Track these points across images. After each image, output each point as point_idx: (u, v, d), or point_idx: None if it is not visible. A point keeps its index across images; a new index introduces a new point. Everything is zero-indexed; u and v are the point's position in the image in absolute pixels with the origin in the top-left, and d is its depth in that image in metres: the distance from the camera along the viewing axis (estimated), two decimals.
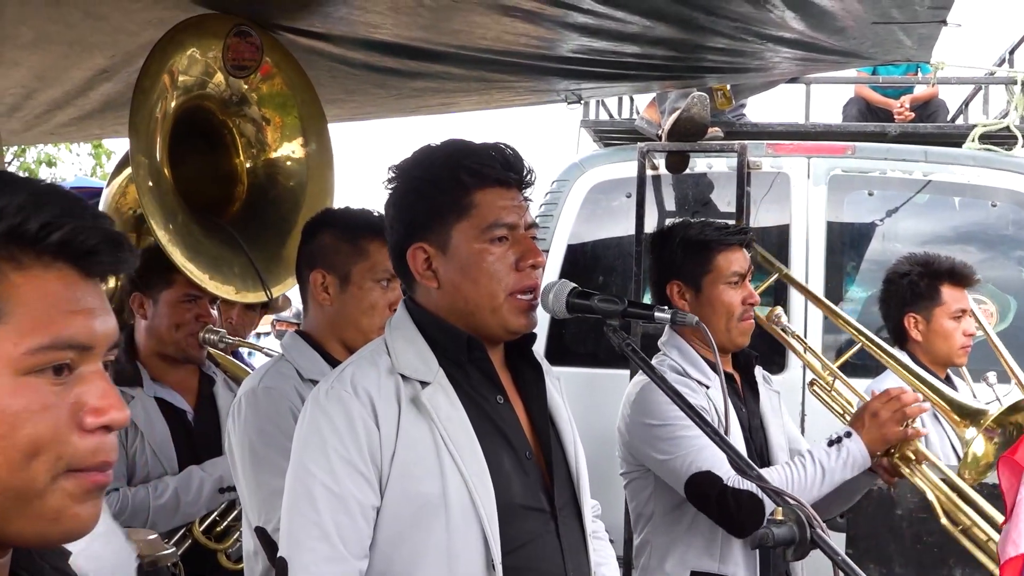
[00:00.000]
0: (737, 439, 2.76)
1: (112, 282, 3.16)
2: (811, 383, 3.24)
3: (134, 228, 3.41)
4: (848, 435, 2.73)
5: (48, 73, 3.44)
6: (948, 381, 3.54)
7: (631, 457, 2.93)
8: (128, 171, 3.38)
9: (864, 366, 3.68)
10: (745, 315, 2.91)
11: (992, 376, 3.56)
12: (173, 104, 2.99)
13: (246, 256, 3.12)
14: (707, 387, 2.82)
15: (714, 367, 2.82)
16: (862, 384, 3.34)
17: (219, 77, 3.14)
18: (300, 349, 2.55)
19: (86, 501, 1.00)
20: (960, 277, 3.56)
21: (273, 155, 3.31)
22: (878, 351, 3.20)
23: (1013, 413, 2.74)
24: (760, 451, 2.92)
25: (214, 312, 3.21)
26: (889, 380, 3.32)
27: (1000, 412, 2.74)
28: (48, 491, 0.97)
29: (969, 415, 2.80)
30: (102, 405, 0.99)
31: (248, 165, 3.30)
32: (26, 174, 16.54)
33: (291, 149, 3.32)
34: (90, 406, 0.99)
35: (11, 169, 17.13)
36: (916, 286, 3.53)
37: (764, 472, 2.58)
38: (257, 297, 3.22)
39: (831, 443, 2.73)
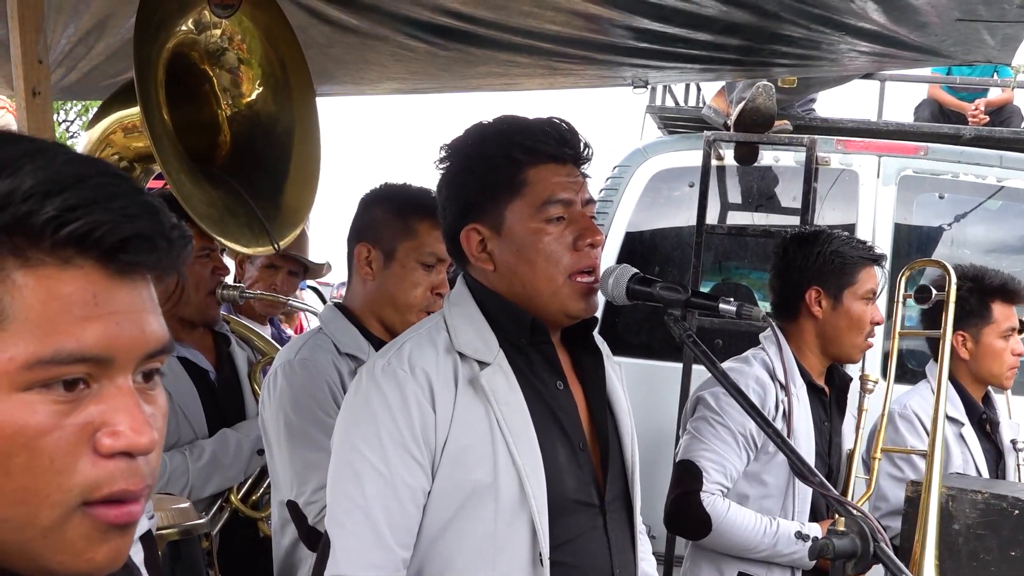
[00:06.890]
0: (808, 448, 2.81)
1: None
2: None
3: None
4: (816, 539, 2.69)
5: (110, 21, 3.36)
6: (987, 399, 3.45)
7: None
8: (109, 121, 3.23)
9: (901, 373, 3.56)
10: (870, 334, 2.96)
11: None
12: (168, 47, 2.83)
13: (249, 205, 2.93)
14: (786, 390, 2.82)
15: (805, 376, 2.93)
16: (900, 389, 3.32)
17: (203, 17, 2.93)
18: (338, 323, 2.53)
19: (104, 541, 0.83)
20: (1011, 294, 3.38)
21: (255, 101, 3.11)
22: None
23: None
24: (835, 468, 2.98)
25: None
26: (917, 396, 3.30)
27: None
28: (56, 531, 0.81)
29: None
30: (121, 428, 0.82)
31: (228, 113, 3.09)
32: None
33: (273, 93, 3.10)
34: (107, 428, 0.82)
35: (74, 129, 16.86)
36: (966, 302, 3.30)
37: (735, 506, 2.75)
38: (264, 249, 3.02)
39: (799, 535, 2.68)
